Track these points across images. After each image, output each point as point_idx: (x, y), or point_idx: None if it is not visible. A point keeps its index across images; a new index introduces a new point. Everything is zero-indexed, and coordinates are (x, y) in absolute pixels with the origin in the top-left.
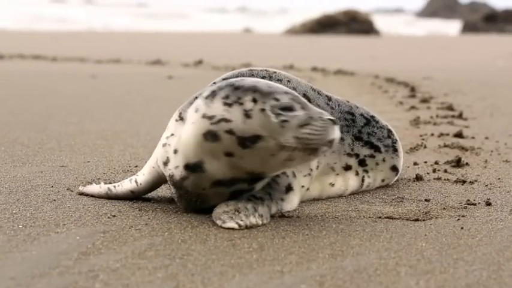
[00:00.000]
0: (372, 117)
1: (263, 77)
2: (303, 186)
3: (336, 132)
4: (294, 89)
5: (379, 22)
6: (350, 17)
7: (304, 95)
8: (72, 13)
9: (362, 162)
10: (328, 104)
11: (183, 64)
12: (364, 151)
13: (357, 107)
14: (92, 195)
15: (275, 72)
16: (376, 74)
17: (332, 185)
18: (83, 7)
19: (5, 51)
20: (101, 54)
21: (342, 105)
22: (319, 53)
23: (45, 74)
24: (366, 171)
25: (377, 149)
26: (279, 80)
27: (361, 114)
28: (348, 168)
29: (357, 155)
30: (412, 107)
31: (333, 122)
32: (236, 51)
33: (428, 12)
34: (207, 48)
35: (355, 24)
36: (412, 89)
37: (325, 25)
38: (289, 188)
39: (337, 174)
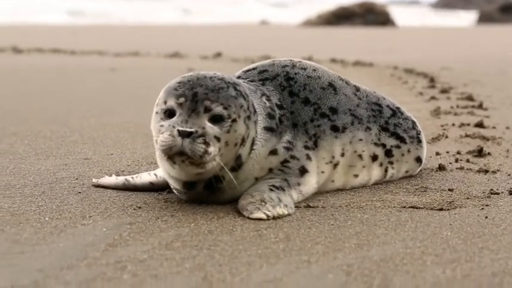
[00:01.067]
0: (398, 108)
1: (285, 66)
2: (323, 172)
3: (182, 144)
4: (319, 77)
5: (395, 14)
6: (366, 8)
7: (330, 84)
8: (89, 6)
9: (388, 153)
10: (355, 95)
11: (201, 56)
12: (391, 142)
13: (384, 98)
14: (108, 187)
15: (300, 62)
16: (395, 65)
17: (356, 176)
18: (99, 0)
19: (23, 45)
20: (120, 47)
21: (369, 96)
22: (336, 44)
23: (64, 68)
24: (391, 162)
25: (402, 140)
26: (304, 69)
27: (388, 106)
28: (375, 158)
29: (384, 145)
30: (432, 98)
31: (180, 133)
32: (254, 43)
33: (444, 3)
34: (225, 41)
35: (371, 15)
36: (432, 80)
37: (341, 17)
38: (303, 171)
39: (364, 166)
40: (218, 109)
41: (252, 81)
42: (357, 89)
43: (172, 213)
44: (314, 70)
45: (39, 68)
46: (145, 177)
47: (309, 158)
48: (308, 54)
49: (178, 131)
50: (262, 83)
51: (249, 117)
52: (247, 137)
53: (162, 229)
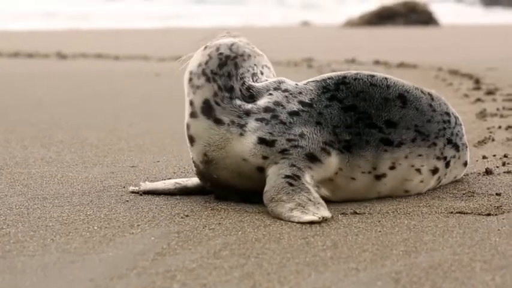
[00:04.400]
0: (454, 113)
1: (348, 72)
2: (353, 179)
3: None
4: (388, 87)
5: (438, 12)
6: (409, 8)
7: (400, 96)
8: (131, 10)
9: (447, 164)
10: (430, 106)
11: None
12: (451, 153)
13: (446, 104)
14: (155, 192)
15: (373, 72)
16: (439, 66)
17: (407, 191)
18: (141, 4)
19: (67, 50)
20: (163, 51)
21: (442, 104)
22: (379, 45)
23: (109, 74)
24: (445, 174)
25: (457, 148)
26: (371, 76)
27: (453, 113)
28: (435, 171)
29: (445, 158)
30: (478, 100)
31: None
32: (297, 45)
33: (486, 0)
34: (268, 43)
35: (413, 15)
36: (477, 81)
37: (383, 17)
38: (313, 158)
39: (422, 180)
40: None
41: (303, 83)
42: (432, 98)
43: (219, 221)
44: (384, 78)
45: (84, 74)
46: (196, 179)
47: (326, 151)
48: (351, 56)
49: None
50: (306, 83)
51: (203, 74)
52: (196, 86)
53: (209, 237)
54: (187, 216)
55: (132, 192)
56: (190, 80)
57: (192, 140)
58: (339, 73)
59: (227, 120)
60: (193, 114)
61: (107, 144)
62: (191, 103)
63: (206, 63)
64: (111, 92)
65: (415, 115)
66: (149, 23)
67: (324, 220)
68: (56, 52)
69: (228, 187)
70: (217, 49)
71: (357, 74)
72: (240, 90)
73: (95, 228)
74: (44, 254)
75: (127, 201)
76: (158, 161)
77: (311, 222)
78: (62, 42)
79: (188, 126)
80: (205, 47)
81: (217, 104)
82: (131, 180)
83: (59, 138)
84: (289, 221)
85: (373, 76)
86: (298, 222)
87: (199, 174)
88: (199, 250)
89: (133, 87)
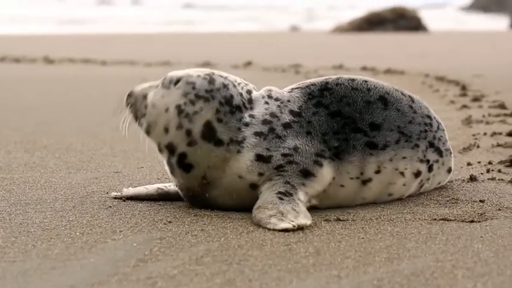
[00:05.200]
0: (435, 117)
1: (329, 78)
2: (342, 186)
3: None
4: (368, 90)
5: (427, 18)
6: (398, 14)
7: (381, 98)
8: (120, 15)
9: (430, 168)
10: (411, 107)
11: (232, 66)
12: (433, 157)
13: (427, 108)
14: (138, 198)
15: (353, 77)
16: (426, 72)
17: (390, 195)
18: (130, 8)
19: (55, 55)
20: (151, 56)
21: (422, 107)
22: (367, 51)
23: (96, 78)
24: (428, 178)
25: (440, 153)
26: (351, 80)
27: (435, 117)
28: (418, 174)
29: (428, 161)
30: (464, 106)
31: None
32: (285, 51)
33: (477, 6)
34: (255, 49)
35: (402, 21)
36: (463, 88)
37: (372, 23)
38: (307, 173)
39: (404, 184)
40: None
41: (287, 91)
42: (412, 99)
43: (202, 227)
44: (364, 82)
45: (71, 79)
46: None
47: (318, 163)
48: (339, 62)
49: None
50: (290, 90)
51: (197, 97)
52: (192, 113)
53: (192, 244)
54: (170, 222)
55: (115, 198)
56: (181, 111)
57: (189, 168)
58: (320, 79)
59: (226, 139)
60: (191, 143)
61: (91, 149)
62: (188, 133)
63: (194, 88)
64: (97, 96)
65: (397, 116)
66: (140, 28)
67: (300, 228)
68: (43, 57)
69: (215, 205)
70: (190, 76)
71: (338, 78)
72: (241, 95)
73: (77, 234)
74: (25, 260)
75: (110, 207)
76: (142, 167)
77: (286, 230)
78: (50, 47)
79: (184, 157)
80: (176, 82)
81: (219, 121)
82: (115, 186)
83: (43, 144)
84: (266, 228)
85: (353, 80)
86: (273, 230)
87: (188, 191)
88: (181, 256)
89: (121, 92)
